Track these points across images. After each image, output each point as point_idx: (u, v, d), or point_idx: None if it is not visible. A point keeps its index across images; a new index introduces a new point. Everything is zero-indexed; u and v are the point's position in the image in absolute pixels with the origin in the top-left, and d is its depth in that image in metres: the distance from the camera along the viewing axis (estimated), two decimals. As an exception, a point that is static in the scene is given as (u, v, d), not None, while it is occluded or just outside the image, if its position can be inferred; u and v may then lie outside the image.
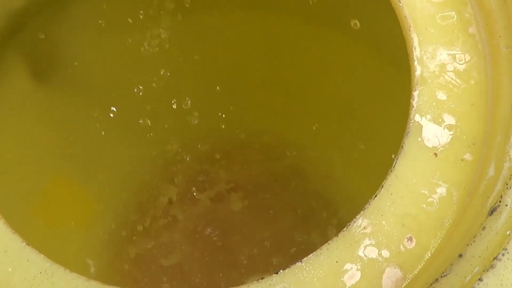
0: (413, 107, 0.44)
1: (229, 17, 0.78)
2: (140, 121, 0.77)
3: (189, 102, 0.80)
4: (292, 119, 0.81)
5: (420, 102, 0.44)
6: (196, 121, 0.80)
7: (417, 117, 0.44)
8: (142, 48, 0.75)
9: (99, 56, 0.73)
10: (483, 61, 0.46)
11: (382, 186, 0.43)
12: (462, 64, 0.45)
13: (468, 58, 0.46)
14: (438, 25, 0.46)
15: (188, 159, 0.80)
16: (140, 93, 0.76)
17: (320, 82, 0.77)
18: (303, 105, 0.80)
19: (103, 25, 0.72)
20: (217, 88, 0.80)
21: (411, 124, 0.44)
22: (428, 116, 0.44)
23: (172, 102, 0.79)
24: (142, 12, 0.72)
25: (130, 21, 0.73)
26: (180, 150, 0.81)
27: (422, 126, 0.44)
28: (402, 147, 0.44)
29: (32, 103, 0.69)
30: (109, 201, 0.77)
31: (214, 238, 0.78)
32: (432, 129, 0.44)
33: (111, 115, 0.76)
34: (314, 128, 0.80)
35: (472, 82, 0.45)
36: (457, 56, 0.46)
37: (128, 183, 0.78)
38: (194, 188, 0.80)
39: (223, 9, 0.77)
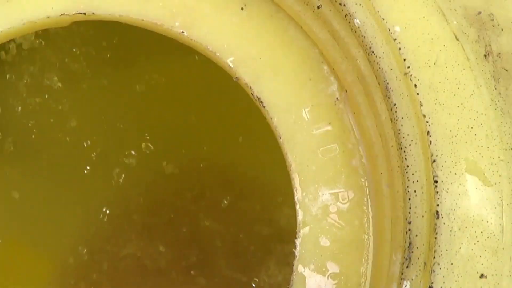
0: (296, 256, 0.43)
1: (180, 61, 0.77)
2: (89, 178, 0.79)
3: (144, 148, 0.81)
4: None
5: (303, 251, 0.44)
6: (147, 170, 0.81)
7: (300, 268, 0.43)
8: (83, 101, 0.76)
9: (43, 118, 0.75)
10: (367, 198, 0.44)
11: None
12: (345, 203, 0.44)
13: (351, 195, 0.44)
14: (319, 160, 0.45)
15: (141, 215, 0.82)
16: (88, 149, 0.77)
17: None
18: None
19: (33, 85, 0.73)
20: (168, 132, 0.80)
21: (294, 276, 0.43)
22: (312, 266, 0.43)
23: (125, 153, 0.80)
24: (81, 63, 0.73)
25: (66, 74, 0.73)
26: (136, 206, 0.82)
27: (305, 277, 0.43)
28: (285, 301, 0.43)
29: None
30: (59, 263, 0.79)
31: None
32: (316, 280, 0.43)
33: (59, 175, 0.77)
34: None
35: (356, 222, 0.44)
36: (340, 194, 0.44)
37: (80, 245, 0.81)
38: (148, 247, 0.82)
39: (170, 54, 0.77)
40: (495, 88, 0.40)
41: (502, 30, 0.41)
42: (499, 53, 0.40)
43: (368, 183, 0.43)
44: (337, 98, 0.45)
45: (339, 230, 0.43)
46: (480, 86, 0.40)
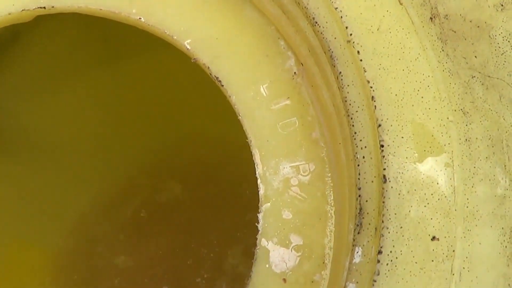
0: (259, 231, 0.44)
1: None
2: (93, 174, 0.80)
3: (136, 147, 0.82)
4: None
5: (266, 225, 0.44)
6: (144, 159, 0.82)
7: (264, 242, 0.44)
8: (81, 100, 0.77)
9: (42, 116, 0.76)
10: (328, 168, 0.44)
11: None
12: (306, 175, 0.44)
13: (312, 167, 0.44)
14: (279, 135, 0.45)
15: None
16: (91, 143, 0.79)
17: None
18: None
19: (38, 86, 0.74)
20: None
21: (258, 250, 0.44)
22: (275, 239, 0.44)
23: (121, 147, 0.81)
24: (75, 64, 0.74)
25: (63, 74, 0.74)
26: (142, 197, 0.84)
27: (269, 251, 0.44)
28: (250, 276, 0.44)
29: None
30: (67, 263, 0.81)
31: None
32: (280, 252, 0.44)
33: (63, 173, 0.79)
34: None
35: (319, 194, 0.44)
36: (301, 167, 0.44)
37: (88, 243, 0.82)
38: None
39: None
40: (443, 50, 0.39)
41: (449, -9, 0.41)
42: (447, 15, 0.40)
43: (328, 154, 0.43)
44: (294, 73, 0.45)
45: (301, 202, 0.43)
46: (426, 48, 0.39)
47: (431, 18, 0.40)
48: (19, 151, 0.75)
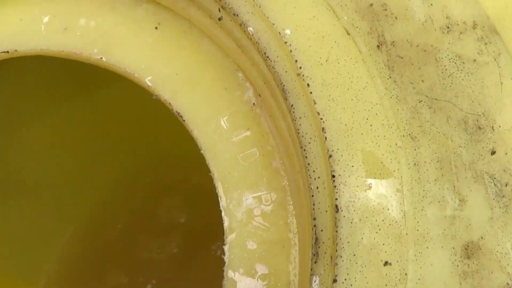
0: (225, 263, 0.45)
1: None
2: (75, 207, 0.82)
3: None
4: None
5: (232, 256, 0.45)
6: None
7: (230, 273, 0.45)
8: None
9: (19, 148, 0.78)
10: (290, 197, 0.45)
11: None
12: (269, 205, 0.45)
13: (274, 196, 0.45)
14: (241, 166, 0.46)
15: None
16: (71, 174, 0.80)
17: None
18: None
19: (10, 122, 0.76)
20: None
21: (225, 282, 0.45)
22: (241, 270, 0.45)
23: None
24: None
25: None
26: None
27: (236, 282, 0.45)
28: (219, 307, 0.45)
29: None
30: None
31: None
32: (246, 283, 0.45)
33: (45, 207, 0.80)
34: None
35: (281, 222, 0.45)
36: (263, 197, 0.45)
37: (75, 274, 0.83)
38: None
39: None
40: (390, 77, 0.40)
41: (396, 18, 0.42)
42: (393, 42, 0.41)
43: (289, 182, 0.44)
44: (253, 104, 0.46)
45: (264, 232, 0.44)
46: (374, 76, 0.40)
47: (378, 46, 0.41)
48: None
